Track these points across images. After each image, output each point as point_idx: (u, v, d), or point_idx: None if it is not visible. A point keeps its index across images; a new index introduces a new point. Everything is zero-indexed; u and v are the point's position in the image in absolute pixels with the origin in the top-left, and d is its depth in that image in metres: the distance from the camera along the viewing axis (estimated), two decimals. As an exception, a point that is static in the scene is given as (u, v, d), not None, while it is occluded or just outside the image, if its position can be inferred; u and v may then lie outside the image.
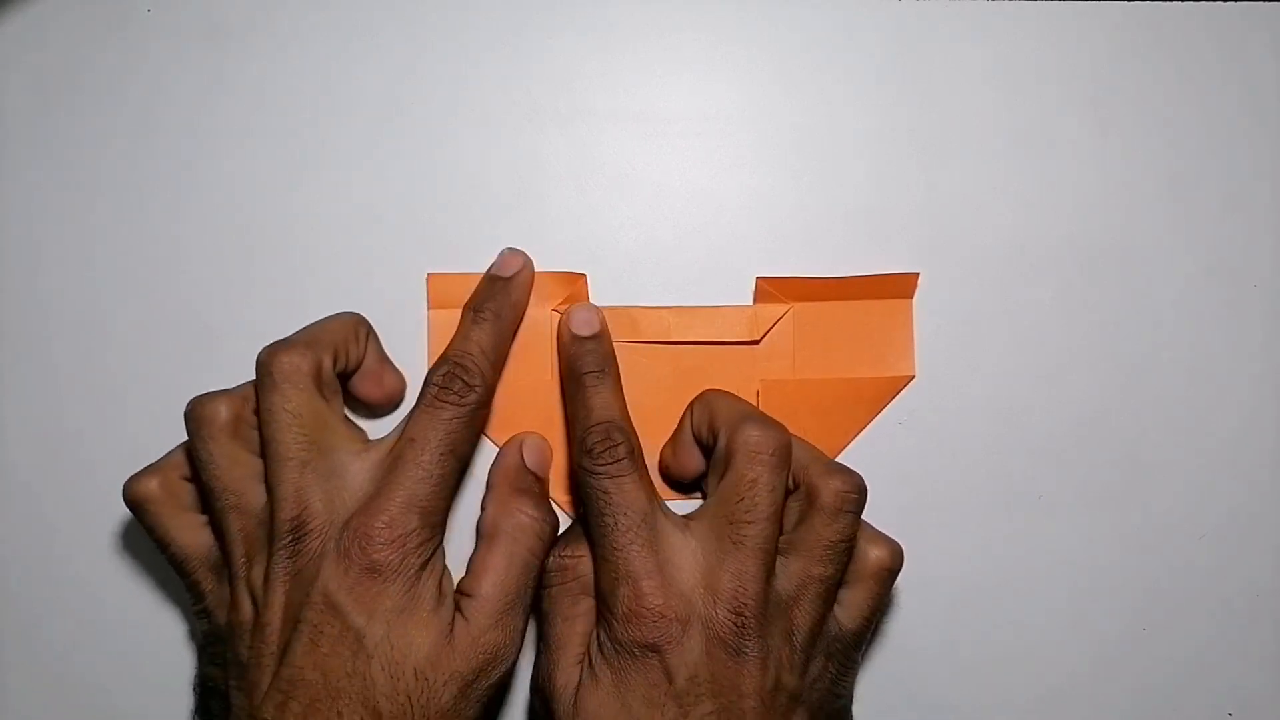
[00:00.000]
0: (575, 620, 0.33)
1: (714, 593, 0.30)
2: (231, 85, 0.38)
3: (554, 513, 0.34)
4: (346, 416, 0.35)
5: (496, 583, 0.32)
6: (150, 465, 0.33)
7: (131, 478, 0.33)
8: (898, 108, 0.38)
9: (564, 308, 0.37)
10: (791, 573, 0.31)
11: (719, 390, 0.36)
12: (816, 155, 0.38)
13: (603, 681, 0.31)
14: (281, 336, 0.37)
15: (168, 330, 0.37)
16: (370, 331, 0.36)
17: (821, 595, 0.31)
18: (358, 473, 0.32)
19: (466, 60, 0.38)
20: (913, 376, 0.37)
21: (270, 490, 0.31)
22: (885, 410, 0.37)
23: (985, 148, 0.38)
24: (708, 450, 0.35)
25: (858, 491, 0.32)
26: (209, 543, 0.33)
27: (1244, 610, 0.38)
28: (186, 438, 0.32)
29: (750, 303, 0.37)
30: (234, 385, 0.33)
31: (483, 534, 0.34)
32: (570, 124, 0.38)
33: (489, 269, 0.36)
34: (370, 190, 0.38)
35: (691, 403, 0.36)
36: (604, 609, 0.31)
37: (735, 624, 0.30)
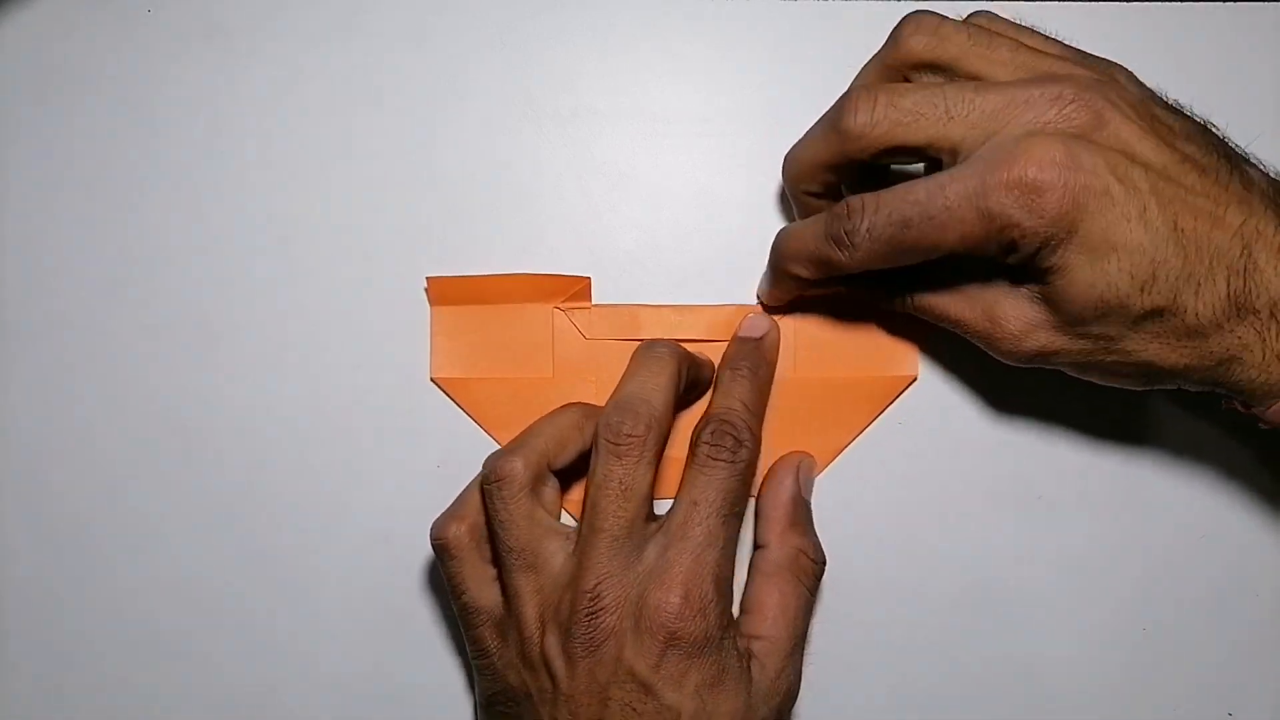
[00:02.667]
0: None
1: None
2: (231, 85, 0.38)
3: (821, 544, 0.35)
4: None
5: (785, 624, 0.33)
6: (455, 509, 0.34)
7: (439, 521, 0.33)
8: (898, 108, 0.38)
9: (565, 305, 0.37)
10: None
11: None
12: (816, 155, 0.38)
13: None
14: (279, 336, 0.37)
15: (168, 330, 0.37)
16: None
17: None
18: (642, 541, 0.32)
19: (466, 60, 0.38)
20: (915, 377, 0.37)
21: (579, 559, 0.31)
22: (885, 410, 0.37)
23: (985, 148, 0.38)
24: None
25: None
26: (498, 599, 0.33)
27: (1244, 610, 0.38)
28: (485, 493, 0.33)
29: (753, 302, 0.37)
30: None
31: (763, 569, 0.34)
32: (570, 124, 0.38)
33: (737, 331, 0.36)
34: (370, 190, 0.38)
35: None
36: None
37: None
